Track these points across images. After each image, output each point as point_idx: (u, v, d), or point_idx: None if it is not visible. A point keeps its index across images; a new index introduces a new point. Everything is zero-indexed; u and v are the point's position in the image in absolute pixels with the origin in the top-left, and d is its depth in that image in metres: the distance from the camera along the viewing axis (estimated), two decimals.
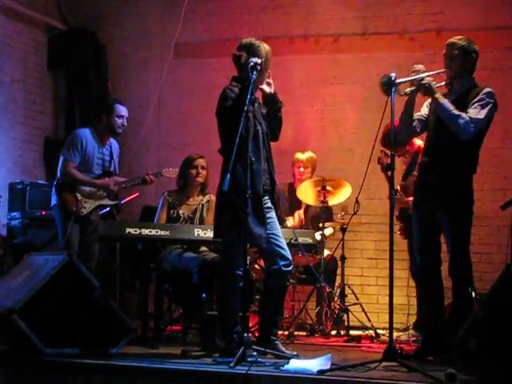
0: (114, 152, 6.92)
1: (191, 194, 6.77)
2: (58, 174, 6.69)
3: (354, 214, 5.45)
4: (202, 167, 6.71)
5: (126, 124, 6.85)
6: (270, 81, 5.32)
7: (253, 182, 5.02)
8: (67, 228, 6.52)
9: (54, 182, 6.73)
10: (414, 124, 5.44)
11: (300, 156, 7.85)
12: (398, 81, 4.99)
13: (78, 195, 6.61)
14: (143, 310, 6.34)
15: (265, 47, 5.28)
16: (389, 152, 5.74)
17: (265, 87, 5.30)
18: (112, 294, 5.92)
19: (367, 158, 5.08)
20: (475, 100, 5.25)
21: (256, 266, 6.99)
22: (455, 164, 5.25)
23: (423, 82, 5.20)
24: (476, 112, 5.20)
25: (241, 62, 5.23)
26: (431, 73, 5.30)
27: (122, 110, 6.82)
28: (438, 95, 5.23)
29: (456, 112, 5.17)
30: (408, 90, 5.24)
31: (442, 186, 5.25)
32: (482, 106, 5.23)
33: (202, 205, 6.74)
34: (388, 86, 4.91)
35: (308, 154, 7.87)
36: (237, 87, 5.21)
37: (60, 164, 6.67)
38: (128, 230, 5.94)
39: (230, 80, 5.34)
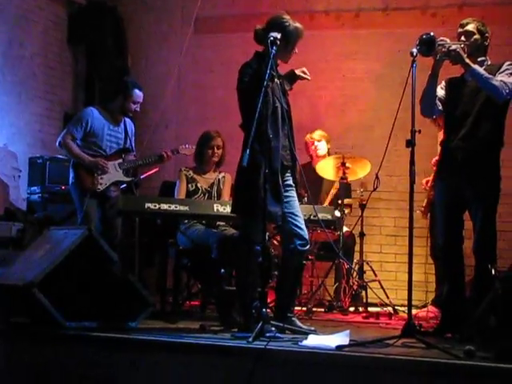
0: (129, 131, 6.94)
1: (207, 169, 6.84)
2: (57, 143, 6.75)
3: (374, 190, 5.41)
4: (218, 147, 6.75)
5: (138, 110, 6.88)
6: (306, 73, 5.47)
7: (270, 159, 5.01)
8: (84, 205, 6.57)
9: (71, 161, 6.76)
10: (435, 101, 5.42)
11: (310, 135, 7.86)
12: (438, 42, 5.08)
13: (95, 170, 6.63)
14: (162, 285, 6.36)
15: (293, 24, 5.22)
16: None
17: (302, 74, 5.46)
18: (131, 269, 5.94)
19: (387, 134, 5.06)
20: (501, 71, 5.27)
21: (275, 242, 7.00)
22: (484, 138, 5.23)
23: (453, 48, 5.18)
24: (506, 78, 5.21)
25: (259, 37, 5.22)
26: (457, 43, 5.28)
27: (139, 96, 6.83)
28: (468, 61, 5.21)
29: (489, 75, 5.19)
30: (441, 56, 5.22)
31: (471, 162, 5.23)
32: (509, 75, 5.25)
33: (219, 179, 6.81)
34: (428, 43, 4.93)
35: (318, 132, 7.88)
36: (256, 63, 5.19)
37: (61, 134, 6.76)
38: (147, 204, 5.93)
39: (249, 55, 5.32)
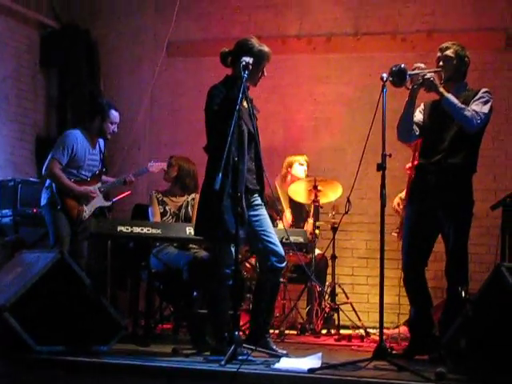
0: (103, 151, 6.94)
1: (174, 191, 6.91)
2: (43, 171, 6.69)
3: (346, 213, 5.46)
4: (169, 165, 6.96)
5: (116, 130, 6.87)
6: None
7: (234, 182, 5.02)
8: (60, 228, 6.54)
9: (47, 184, 6.72)
10: (413, 127, 5.47)
11: (300, 158, 7.91)
12: (409, 72, 5.14)
13: (81, 199, 6.63)
14: (134, 308, 6.34)
15: (259, 47, 5.26)
16: None
17: None
18: (103, 292, 5.93)
19: (359, 157, 5.10)
20: (475, 98, 5.32)
21: (247, 265, 7.02)
22: (458, 164, 5.29)
23: (427, 77, 5.24)
24: (479, 107, 5.27)
25: (225, 60, 5.26)
26: (432, 70, 5.34)
27: (116, 117, 6.82)
28: (442, 89, 5.27)
29: (462, 105, 5.24)
30: (414, 85, 5.27)
31: (444, 187, 5.28)
32: (484, 103, 5.31)
33: (187, 202, 6.84)
34: (399, 75, 4.98)
35: (305, 157, 7.96)
36: (224, 86, 5.23)
37: (47, 162, 6.67)
38: (120, 228, 5.94)
39: (221, 79, 5.36)
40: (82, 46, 9.30)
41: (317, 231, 7.38)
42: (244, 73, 5.00)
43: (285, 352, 5.14)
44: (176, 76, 9.36)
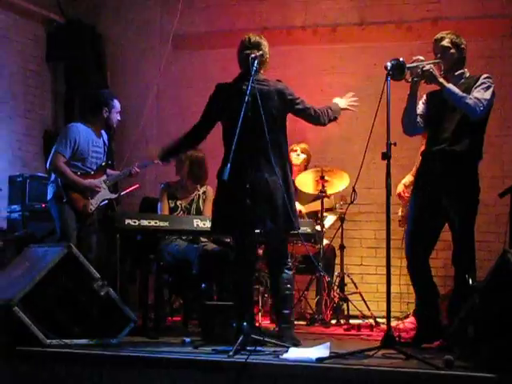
0: (107, 142, 6.97)
1: (187, 186, 6.85)
2: (48, 165, 6.71)
3: (351, 203, 5.46)
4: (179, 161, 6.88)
5: (120, 118, 6.94)
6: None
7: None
8: (66, 221, 6.56)
9: (52, 178, 6.73)
10: (417, 120, 5.48)
11: (294, 146, 7.93)
12: (408, 65, 5.14)
13: (87, 193, 6.65)
14: (143, 301, 6.36)
15: (267, 42, 5.41)
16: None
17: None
18: (112, 285, 5.95)
19: (365, 147, 5.10)
20: (477, 85, 5.31)
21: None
22: (462, 151, 5.28)
23: (426, 68, 5.24)
24: (481, 94, 5.26)
25: (255, 62, 5.28)
26: (431, 61, 5.34)
27: (119, 106, 6.88)
28: (442, 80, 5.27)
29: (463, 94, 5.23)
30: (414, 77, 5.27)
31: (450, 175, 5.28)
32: (485, 89, 5.30)
33: (199, 195, 6.82)
34: (398, 69, 4.97)
35: (302, 145, 7.99)
36: (234, 81, 5.34)
37: (51, 156, 6.68)
38: (127, 221, 5.95)
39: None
40: (87, 40, 9.34)
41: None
42: (253, 65, 5.11)
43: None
44: (182, 69, 9.37)
